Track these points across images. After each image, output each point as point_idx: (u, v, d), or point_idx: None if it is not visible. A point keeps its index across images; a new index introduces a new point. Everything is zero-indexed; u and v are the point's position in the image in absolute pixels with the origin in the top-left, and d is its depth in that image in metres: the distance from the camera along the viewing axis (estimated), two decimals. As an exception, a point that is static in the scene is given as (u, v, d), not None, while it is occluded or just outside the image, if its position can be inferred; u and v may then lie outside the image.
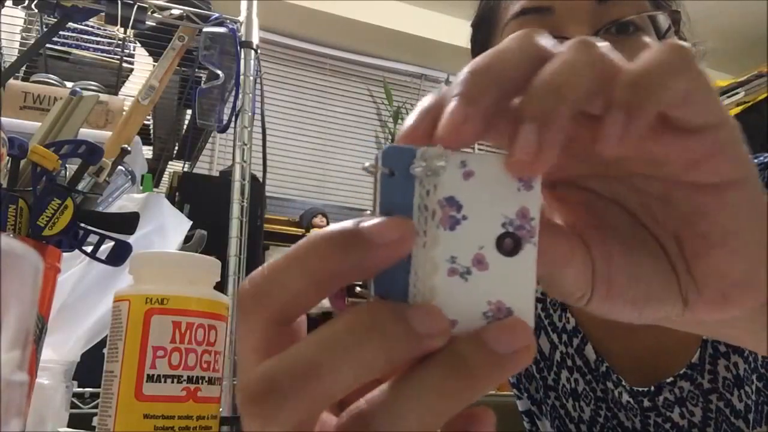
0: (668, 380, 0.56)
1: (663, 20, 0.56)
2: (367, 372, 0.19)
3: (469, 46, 0.67)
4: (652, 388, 0.57)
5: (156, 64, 1.42)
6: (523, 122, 0.21)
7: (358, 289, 0.23)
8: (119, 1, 1.29)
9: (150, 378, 0.41)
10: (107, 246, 0.56)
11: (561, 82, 0.21)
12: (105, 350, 0.44)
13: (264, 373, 0.20)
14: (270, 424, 0.19)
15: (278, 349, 0.20)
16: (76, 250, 0.56)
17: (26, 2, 1.23)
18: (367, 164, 0.22)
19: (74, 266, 0.84)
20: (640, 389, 0.58)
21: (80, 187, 0.58)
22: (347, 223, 0.20)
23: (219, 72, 1.42)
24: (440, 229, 0.21)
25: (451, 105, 0.21)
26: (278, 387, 0.19)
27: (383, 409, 0.19)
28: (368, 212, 0.22)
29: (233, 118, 1.43)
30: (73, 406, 0.86)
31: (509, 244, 0.21)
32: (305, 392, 0.19)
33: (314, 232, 0.21)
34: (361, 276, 0.21)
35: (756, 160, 0.61)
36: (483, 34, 0.64)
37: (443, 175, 0.21)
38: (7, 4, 1.30)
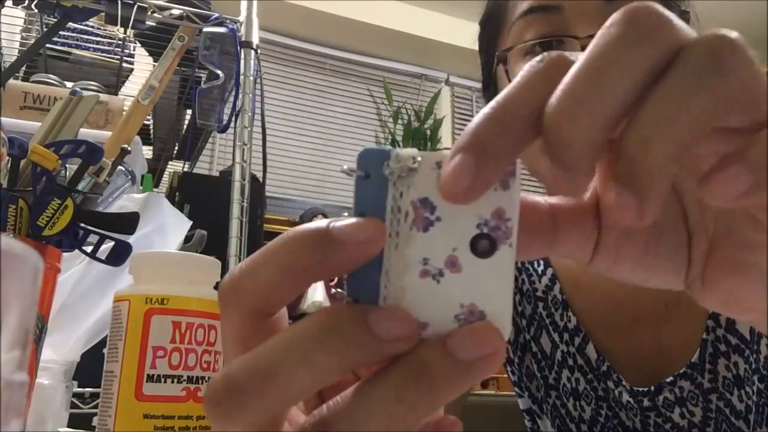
0: (668, 380, 0.56)
1: None
2: (326, 376, 0.19)
3: (470, 46, 0.67)
4: (652, 387, 0.57)
5: (156, 64, 1.42)
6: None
7: (333, 290, 0.23)
8: (119, 1, 1.29)
9: (150, 378, 0.41)
10: (107, 246, 0.56)
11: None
12: (105, 350, 0.44)
13: (225, 375, 0.20)
14: (230, 424, 0.20)
15: (256, 342, 0.20)
16: (76, 250, 0.56)
17: (26, 2, 1.23)
18: (345, 167, 0.22)
19: (74, 266, 0.84)
20: (641, 389, 0.58)
21: (80, 187, 0.58)
22: (320, 222, 0.20)
23: (219, 72, 1.42)
24: (413, 230, 0.21)
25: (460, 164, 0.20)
26: (237, 388, 0.19)
27: (343, 415, 0.19)
28: (345, 214, 0.22)
29: (233, 118, 1.43)
30: (73, 406, 0.86)
31: (484, 245, 0.21)
32: (262, 395, 0.19)
33: (290, 229, 0.21)
34: (331, 273, 0.21)
35: None
36: (490, 32, 0.64)
37: (416, 176, 0.21)
38: (7, 4, 1.30)
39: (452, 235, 0.21)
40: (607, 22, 0.22)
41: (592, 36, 0.55)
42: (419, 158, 0.21)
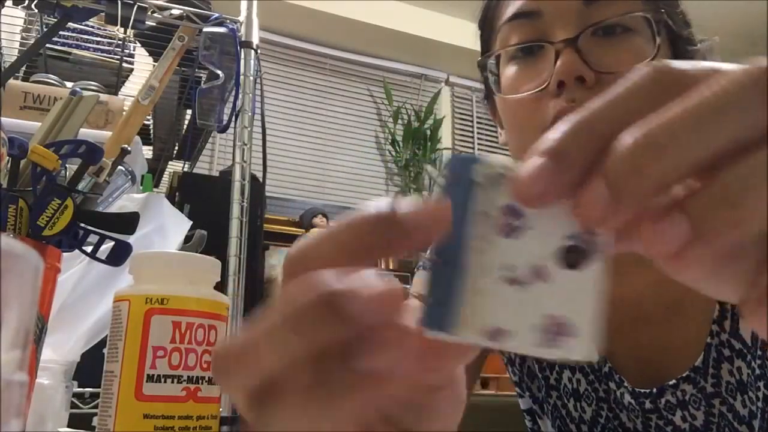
0: (671, 383, 0.56)
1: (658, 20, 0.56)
2: (294, 358, 0.20)
3: (470, 46, 0.68)
4: (654, 390, 0.57)
5: (156, 64, 1.42)
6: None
7: (414, 292, 0.23)
8: (119, 1, 1.29)
9: (150, 378, 0.41)
10: (107, 246, 0.56)
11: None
12: (105, 350, 0.44)
13: (218, 349, 0.22)
14: (227, 386, 0.22)
15: None
16: (76, 250, 0.56)
17: (26, 2, 1.23)
18: (429, 168, 0.22)
19: (74, 266, 0.84)
20: (642, 391, 0.58)
21: (80, 187, 0.58)
22: (385, 204, 0.21)
23: (219, 72, 1.42)
24: (499, 236, 0.21)
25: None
26: (223, 364, 0.21)
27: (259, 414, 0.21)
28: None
29: (233, 118, 1.43)
30: (73, 406, 0.86)
31: (573, 257, 0.21)
32: (238, 371, 0.21)
33: (356, 209, 0.21)
34: (393, 254, 0.21)
35: None
36: (485, 34, 0.65)
37: (506, 183, 0.21)
38: (7, 4, 1.30)
39: (540, 244, 0.21)
40: (721, 72, 0.21)
41: (565, 41, 0.55)
42: (509, 165, 0.21)
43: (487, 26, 0.64)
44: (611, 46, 0.53)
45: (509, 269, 0.21)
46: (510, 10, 0.58)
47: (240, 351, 0.21)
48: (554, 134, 0.20)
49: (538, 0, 0.56)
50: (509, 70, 0.58)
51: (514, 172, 0.21)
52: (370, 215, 0.21)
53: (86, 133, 0.87)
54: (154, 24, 1.44)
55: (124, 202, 0.93)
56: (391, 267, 2.31)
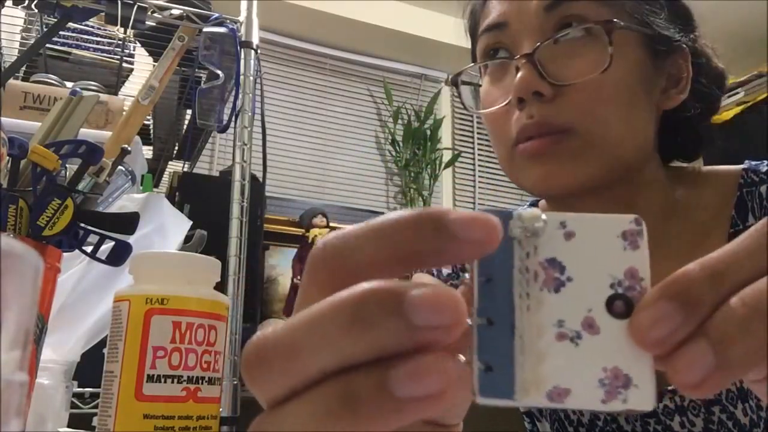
0: (669, 387, 0.56)
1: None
2: (350, 359, 0.18)
3: (468, 46, 0.68)
4: None
5: (156, 64, 1.42)
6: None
7: (460, 356, 0.21)
8: (119, 1, 1.29)
9: (150, 378, 0.41)
10: (107, 246, 0.56)
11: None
12: (105, 350, 0.44)
13: (256, 342, 0.20)
14: (257, 390, 0.20)
15: None
16: (76, 250, 0.56)
17: (26, 2, 1.23)
18: None
19: (74, 266, 0.84)
20: None
21: (80, 187, 0.58)
22: (432, 209, 0.20)
23: (219, 72, 1.42)
24: (544, 291, 0.20)
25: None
26: (264, 359, 0.19)
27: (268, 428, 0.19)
28: (466, 276, 0.21)
29: (233, 118, 1.43)
30: (73, 406, 0.86)
31: (620, 306, 0.20)
32: (283, 370, 0.19)
33: (395, 212, 0.20)
34: (435, 264, 0.20)
35: (760, 168, 0.60)
36: (472, 43, 0.66)
37: (543, 236, 0.21)
38: (7, 4, 1.30)
39: (586, 296, 0.20)
40: None
41: (524, 55, 0.55)
42: (544, 217, 0.21)
43: (473, 35, 0.65)
44: (568, 54, 0.54)
45: (561, 325, 0.20)
46: (484, 21, 0.59)
47: (286, 346, 0.19)
48: (684, 277, 0.20)
49: (506, 8, 0.57)
50: (485, 83, 0.60)
51: (551, 224, 0.21)
52: (418, 215, 0.20)
53: (86, 133, 0.88)
54: (154, 24, 1.44)
55: (124, 202, 0.93)
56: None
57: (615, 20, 0.53)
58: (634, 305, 0.20)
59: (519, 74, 0.53)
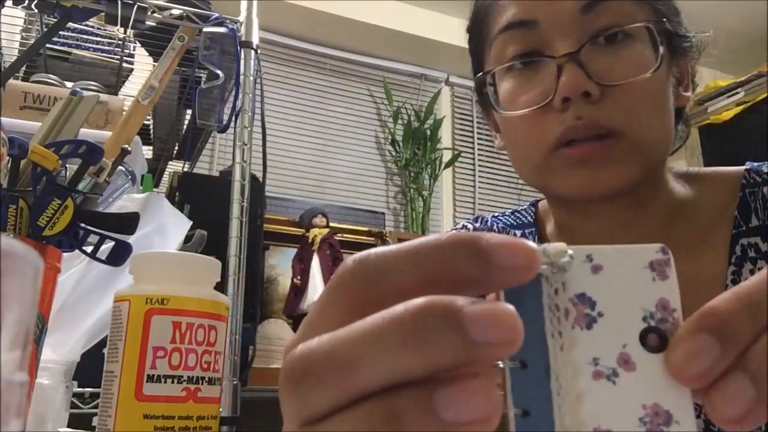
0: None
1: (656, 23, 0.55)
2: (403, 375, 0.18)
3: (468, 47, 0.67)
4: None
5: (156, 64, 1.42)
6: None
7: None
8: (119, 1, 1.29)
9: (150, 378, 0.41)
10: (107, 246, 0.56)
11: None
12: (105, 350, 0.44)
13: (304, 355, 0.19)
14: (297, 403, 0.19)
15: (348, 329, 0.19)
16: (76, 250, 0.56)
17: (26, 2, 1.23)
18: None
19: (74, 266, 0.84)
20: None
21: (80, 187, 0.58)
22: (473, 236, 0.19)
23: (219, 72, 1.42)
24: (576, 329, 0.20)
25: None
26: (312, 372, 0.19)
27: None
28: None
29: (233, 118, 1.43)
30: (73, 406, 0.86)
31: (654, 339, 0.20)
32: (335, 385, 0.19)
33: (435, 235, 0.20)
34: (474, 291, 0.19)
35: (762, 168, 0.60)
36: (474, 42, 0.63)
37: (570, 271, 0.20)
38: (7, 4, 1.30)
39: (619, 331, 0.20)
40: None
41: (567, 54, 0.53)
42: (571, 252, 0.20)
43: (477, 33, 0.62)
44: (613, 55, 0.52)
45: (596, 363, 0.20)
46: (504, 18, 0.56)
47: (340, 358, 0.18)
48: (721, 309, 0.19)
49: (532, 5, 0.54)
50: (508, 84, 0.56)
51: (577, 258, 0.20)
52: (456, 239, 0.19)
53: (86, 133, 0.88)
54: (154, 24, 1.44)
55: (124, 202, 0.93)
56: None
57: (665, 20, 0.53)
58: (668, 338, 0.20)
59: (565, 73, 0.51)
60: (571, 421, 0.19)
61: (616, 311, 0.20)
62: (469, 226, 0.72)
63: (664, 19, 0.55)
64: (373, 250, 0.20)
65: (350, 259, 0.21)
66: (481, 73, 0.60)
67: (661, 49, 0.52)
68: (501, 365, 0.20)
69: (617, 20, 0.53)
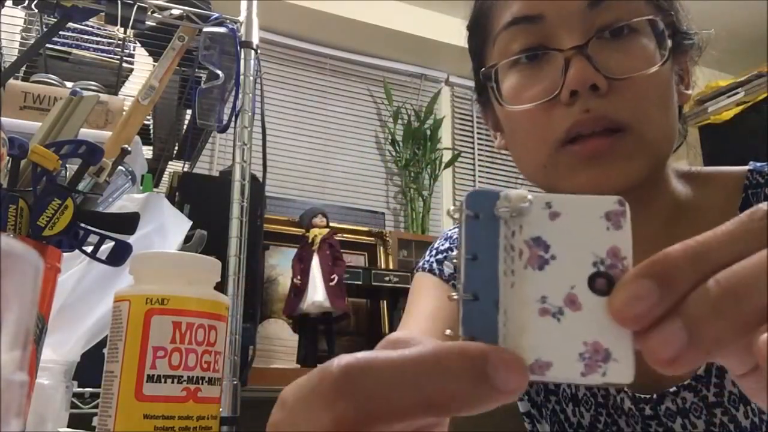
0: (671, 390, 0.56)
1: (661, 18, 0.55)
2: (428, 408, 0.19)
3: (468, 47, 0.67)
4: (655, 396, 0.57)
5: (156, 64, 1.42)
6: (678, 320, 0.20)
7: (448, 331, 0.23)
8: (119, 1, 1.29)
9: (150, 378, 0.41)
10: (107, 246, 0.56)
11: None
12: (105, 350, 0.44)
13: (344, 370, 0.20)
14: (338, 419, 0.20)
15: None
16: (76, 250, 0.56)
17: (26, 2, 1.23)
18: (451, 209, 0.22)
19: (74, 266, 0.84)
20: (643, 396, 0.57)
21: (80, 187, 0.58)
22: (470, 352, 0.20)
23: (219, 72, 1.42)
24: (528, 269, 0.21)
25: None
26: (353, 387, 0.19)
27: None
28: (454, 253, 0.22)
29: (233, 118, 1.43)
30: (73, 406, 0.86)
31: (602, 283, 0.21)
32: (365, 408, 0.19)
33: (437, 348, 0.20)
34: (470, 409, 0.20)
35: (765, 169, 0.60)
36: (477, 40, 0.63)
37: (528, 215, 0.21)
38: (7, 4, 1.30)
39: (569, 274, 0.21)
40: None
41: (575, 48, 0.54)
42: (530, 197, 0.21)
43: (479, 30, 0.62)
44: (619, 50, 0.52)
45: (544, 301, 0.21)
46: (508, 14, 0.55)
47: (393, 376, 0.19)
48: (665, 257, 0.20)
49: (538, 2, 0.54)
50: (512, 79, 0.56)
51: (536, 204, 0.21)
52: (458, 357, 0.20)
53: (86, 133, 0.87)
54: (154, 24, 1.44)
55: (124, 202, 0.93)
56: (391, 266, 2.31)
57: (672, 13, 0.53)
58: (615, 283, 0.21)
59: (573, 66, 0.50)
60: (514, 350, 0.20)
61: (569, 255, 0.21)
62: None
63: (671, 13, 0.55)
64: (362, 358, 0.20)
65: (334, 365, 0.20)
66: (484, 68, 0.59)
67: (669, 43, 0.52)
68: (455, 296, 0.21)
69: (623, 16, 0.52)
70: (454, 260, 0.21)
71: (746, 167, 0.60)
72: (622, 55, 0.52)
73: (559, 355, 0.20)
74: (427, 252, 0.71)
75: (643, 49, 0.52)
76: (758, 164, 0.60)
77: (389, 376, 0.20)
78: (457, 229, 0.80)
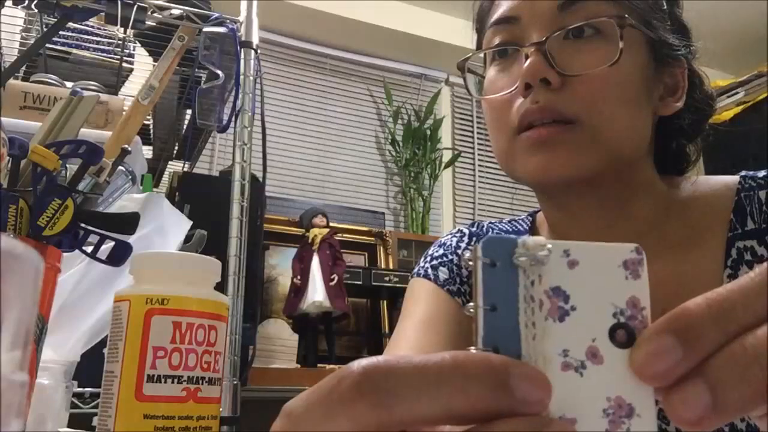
0: None
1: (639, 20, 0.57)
2: (450, 415, 0.19)
3: (470, 46, 0.69)
4: None
5: (156, 64, 1.42)
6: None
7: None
8: (119, 1, 1.29)
9: (150, 378, 0.41)
10: (107, 246, 0.56)
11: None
12: (105, 350, 0.44)
13: (365, 371, 0.19)
14: (358, 420, 0.19)
15: None
16: (77, 250, 0.56)
17: (26, 2, 1.23)
18: (467, 255, 0.22)
19: (74, 266, 0.84)
20: None
21: (80, 187, 0.58)
22: (492, 364, 0.19)
23: (219, 72, 1.42)
24: (549, 320, 0.21)
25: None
26: (375, 388, 0.19)
27: None
28: (470, 305, 0.21)
29: (233, 118, 1.43)
30: (73, 406, 0.86)
31: (622, 335, 0.20)
32: (414, 398, 0.19)
33: (458, 357, 0.20)
34: (486, 417, 0.19)
35: (758, 174, 0.60)
36: (478, 37, 0.67)
37: (547, 264, 0.21)
38: (7, 4, 1.30)
39: (590, 325, 0.21)
40: None
41: (534, 44, 0.56)
42: (549, 246, 0.21)
43: (480, 29, 0.66)
44: (578, 49, 0.55)
45: (566, 355, 0.20)
46: (494, 15, 0.61)
47: (416, 380, 0.19)
48: (688, 313, 0.20)
49: (519, 3, 0.58)
50: (490, 73, 0.61)
51: (555, 252, 0.21)
52: (485, 366, 0.19)
53: (86, 133, 0.87)
54: (154, 24, 1.44)
55: (124, 202, 0.93)
56: (391, 266, 2.31)
57: (627, 16, 0.54)
58: (636, 335, 0.20)
59: (528, 60, 0.54)
60: None
61: (589, 306, 0.21)
62: (465, 231, 0.73)
63: (636, 20, 0.56)
64: (382, 361, 0.20)
65: (354, 367, 0.20)
66: (462, 59, 0.64)
67: (621, 44, 0.54)
68: (473, 350, 0.20)
69: (592, 18, 0.55)
70: (470, 311, 0.20)
71: (737, 174, 0.62)
72: (580, 53, 0.55)
73: (584, 412, 0.20)
74: (422, 258, 0.73)
75: (600, 49, 0.54)
76: (750, 172, 0.61)
77: (411, 379, 0.19)
78: (451, 238, 0.80)
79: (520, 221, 0.73)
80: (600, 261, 0.21)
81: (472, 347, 0.21)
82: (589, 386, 0.20)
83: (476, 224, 0.74)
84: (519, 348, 0.20)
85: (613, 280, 0.21)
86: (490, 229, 0.72)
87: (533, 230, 0.70)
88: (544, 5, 0.56)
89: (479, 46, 0.66)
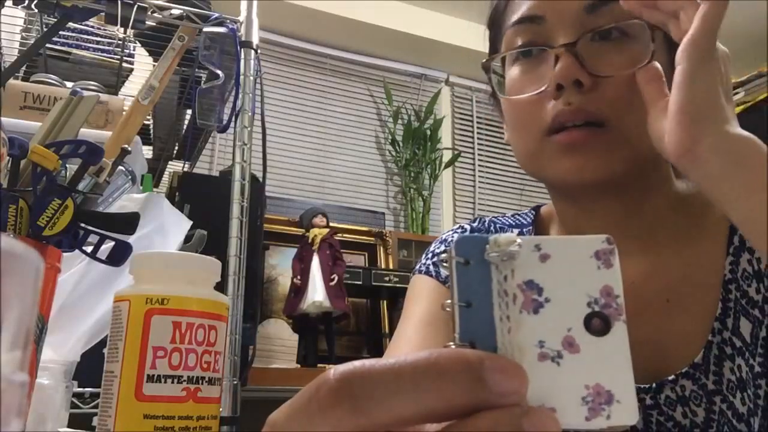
0: (670, 378, 0.56)
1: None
2: (429, 412, 0.19)
3: (470, 46, 0.69)
4: (653, 385, 0.57)
5: (156, 64, 1.42)
6: None
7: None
8: (119, 1, 1.29)
9: (150, 378, 0.41)
10: (107, 246, 0.56)
11: None
12: (105, 350, 0.44)
13: (342, 377, 0.20)
14: (362, 418, 0.20)
15: None
16: (77, 250, 0.56)
17: (26, 2, 1.23)
18: (442, 256, 0.22)
19: (74, 266, 0.84)
20: (641, 386, 0.58)
21: (80, 187, 0.58)
22: (467, 359, 0.19)
23: (219, 72, 1.42)
24: (523, 313, 0.21)
25: None
26: (351, 394, 0.19)
27: None
28: (447, 302, 0.22)
29: (233, 118, 1.43)
30: (73, 406, 0.86)
31: (598, 323, 0.21)
32: (390, 401, 0.19)
33: (432, 355, 0.20)
34: (463, 413, 0.20)
35: None
36: (493, 34, 0.67)
37: (519, 259, 0.21)
38: (7, 4, 1.30)
39: (564, 316, 0.21)
40: None
41: (565, 45, 0.56)
42: (519, 241, 0.21)
43: (494, 27, 0.66)
44: (608, 50, 0.55)
45: (542, 346, 0.21)
46: (516, 14, 0.60)
47: (392, 382, 0.19)
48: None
49: (543, 3, 0.58)
50: (513, 72, 0.60)
51: (526, 247, 0.21)
52: (459, 362, 0.19)
53: (86, 133, 0.87)
54: (154, 24, 1.44)
55: (124, 202, 0.93)
56: (391, 266, 2.31)
57: None
58: (611, 322, 0.21)
59: (560, 62, 0.54)
60: None
61: (562, 297, 0.21)
62: (467, 227, 0.73)
63: None
64: (358, 366, 0.20)
65: (331, 374, 0.20)
66: (487, 59, 0.63)
67: (652, 45, 0.54)
68: (452, 344, 0.21)
69: (619, 21, 0.55)
70: (448, 308, 0.21)
71: None
72: (610, 55, 0.55)
73: (562, 401, 0.20)
74: (423, 255, 0.73)
75: (630, 51, 0.55)
76: None
77: (386, 381, 0.19)
78: (452, 235, 0.80)
79: (523, 215, 0.73)
80: (572, 253, 0.22)
81: (451, 343, 0.21)
82: (567, 375, 0.20)
83: (478, 219, 0.74)
84: (495, 342, 0.21)
85: (585, 270, 0.21)
86: (493, 224, 0.73)
87: (536, 224, 0.70)
88: (571, 5, 0.56)
89: (493, 46, 0.66)
